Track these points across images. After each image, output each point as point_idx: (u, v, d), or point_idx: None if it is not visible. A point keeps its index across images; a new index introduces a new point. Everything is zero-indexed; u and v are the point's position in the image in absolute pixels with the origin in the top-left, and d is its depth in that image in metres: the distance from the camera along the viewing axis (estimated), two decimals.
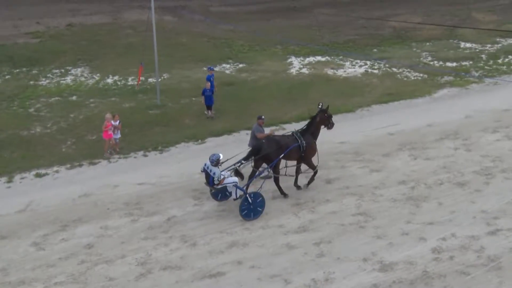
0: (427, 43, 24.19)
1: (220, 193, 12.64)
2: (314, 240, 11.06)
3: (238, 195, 12.15)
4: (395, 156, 14.40)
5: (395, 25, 26.21)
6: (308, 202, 12.42)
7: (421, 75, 20.45)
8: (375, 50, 23.61)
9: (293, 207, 12.23)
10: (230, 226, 11.65)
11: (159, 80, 18.62)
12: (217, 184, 11.89)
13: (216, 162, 11.77)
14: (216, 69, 20.59)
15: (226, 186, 12.22)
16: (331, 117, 13.27)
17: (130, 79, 20.03)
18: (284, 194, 12.69)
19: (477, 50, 23.03)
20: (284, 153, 12.41)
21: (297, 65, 21.89)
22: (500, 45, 23.55)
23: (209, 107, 17.07)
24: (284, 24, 27.56)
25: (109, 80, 20.06)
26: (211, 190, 12.52)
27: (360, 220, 11.68)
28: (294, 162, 12.91)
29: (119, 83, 19.79)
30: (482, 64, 21.28)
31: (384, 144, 15.06)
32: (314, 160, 12.81)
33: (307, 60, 22.44)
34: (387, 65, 21.42)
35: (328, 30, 26.54)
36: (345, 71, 21.09)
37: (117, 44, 23.83)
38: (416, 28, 25.77)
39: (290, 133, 12.98)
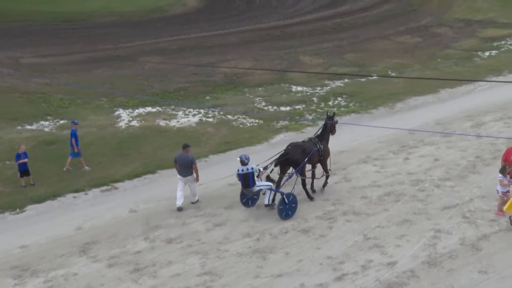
0: (260, 88, 25.51)
1: (250, 200, 14.52)
2: None
3: (270, 201, 14.19)
4: (238, 207, 14.72)
5: (226, 71, 27.31)
6: (149, 267, 12.13)
7: (257, 121, 21.40)
8: (208, 97, 24.28)
9: (132, 274, 11.84)
10: None
11: None
12: (258, 175, 13.89)
13: (248, 159, 13.86)
14: (33, 127, 19.57)
15: (260, 190, 14.14)
16: (337, 123, 16.01)
17: None
18: (310, 198, 14.75)
19: (308, 93, 24.81)
20: (308, 156, 14.56)
21: (126, 117, 21.65)
22: (329, 87, 25.65)
23: (23, 173, 15.99)
24: (108, 74, 27.24)
25: None
26: (242, 199, 14.48)
27: (207, 280, 11.66)
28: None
29: None
30: (314, 107, 22.93)
31: (226, 196, 15.35)
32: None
33: (137, 111, 22.32)
34: (221, 113, 22.10)
35: (156, 78, 26.78)
36: (178, 121, 21.31)
37: None
38: (248, 73, 27.11)
39: (307, 139, 15.21)
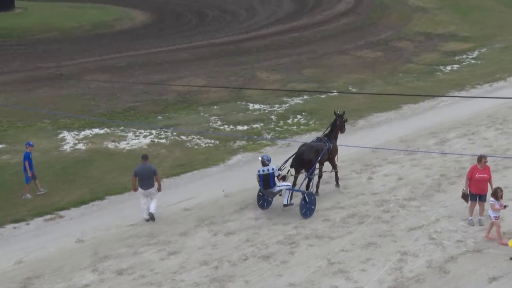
0: (215, 107, 25.57)
1: (266, 202, 15.59)
2: None
3: (288, 201, 15.28)
4: (194, 234, 14.65)
5: (178, 89, 27.29)
6: None
7: (213, 141, 21.41)
8: (160, 117, 24.18)
9: None
10: None
11: None
12: (278, 177, 15.04)
13: (269, 160, 15.00)
14: None
15: (280, 191, 15.22)
16: (346, 121, 17.42)
17: None
18: (317, 192, 16.20)
19: (266, 111, 25.00)
20: (320, 155, 16.01)
21: (71, 140, 21.35)
22: (287, 105, 25.91)
23: None
24: (50, 94, 26.85)
25: None
26: (259, 201, 15.53)
27: None
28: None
29: None
30: (273, 126, 23.11)
31: (181, 222, 15.26)
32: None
33: (83, 134, 22.04)
34: (174, 133, 22.02)
35: (103, 98, 26.54)
36: (128, 143, 21.13)
37: None
38: (202, 91, 27.15)
39: (316, 139, 16.68)
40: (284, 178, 15.63)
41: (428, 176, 17.72)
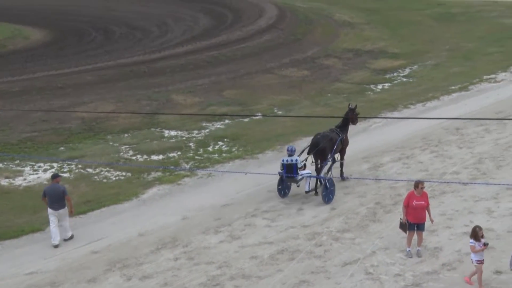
0: (126, 135, 25.27)
1: (287, 188, 18.57)
2: None
3: (309, 188, 18.41)
4: (104, 280, 14.32)
5: (83, 115, 26.82)
6: None
7: (124, 173, 21.12)
8: (62, 148, 23.66)
9: None
10: None
11: None
12: (300, 168, 17.96)
13: (294, 151, 18.12)
14: None
15: (303, 178, 18.22)
16: (358, 114, 20.36)
17: None
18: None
19: (184, 138, 24.93)
20: (335, 145, 19.01)
21: None
22: (207, 130, 25.95)
23: None
24: None
25: None
26: (278, 186, 18.45)
27: None
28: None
29: None
30: (192, 154, 23.05)
31: (89, 267, 14.89)
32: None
33: None
34: (80, 166, 21.59)
35: None
36: (25, 179, 20.55)
37: None
38: (110, 117, 26.80)
39: (329, 130, 19.39)
40: (304, 167, 18.39)
41: (362, 205, 18.10)
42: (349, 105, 20.63)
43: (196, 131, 25.82)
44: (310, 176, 18.38)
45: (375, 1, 56.12)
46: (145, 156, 22.94)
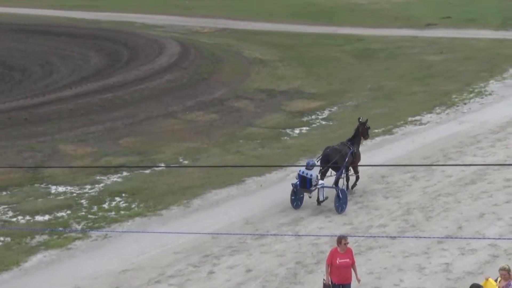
0: (4, 192, 24.62)
1: (299, 200, 21.93)
2: None
3: (324, 197, 21.59)
4: None
5: None
6: None
7: (2, 238, 20.57)
8: None
9: None
10: None
11: None
12: (315, 185, 21.26)
13: (312, 165, 21.49)
14: None
15: (317, 190, 21.47)
16: (369, 128, 24.05)
17: None
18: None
19: (74, 194, 24.48)
20: (346, 158, 22.06)
21: None
22: (102, 184, 25.57)
23: None
24: None
25: None
26: (292, 196, 21.77)
27: None
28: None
29: None
30: (84, 213, 22.64)
31: None
32: None
33: None
34: None
35: None
36: None
37: None
38: None
39: (340, 144, 22.75)
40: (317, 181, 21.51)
41: (281, 265, 18.20)
42: (359, 118, 24.00)
43: (88, 186, 25.39)
44: (323, 187, 21.46)
45: (288, 37, 57.28)
46: (27, 217, 22.39)
